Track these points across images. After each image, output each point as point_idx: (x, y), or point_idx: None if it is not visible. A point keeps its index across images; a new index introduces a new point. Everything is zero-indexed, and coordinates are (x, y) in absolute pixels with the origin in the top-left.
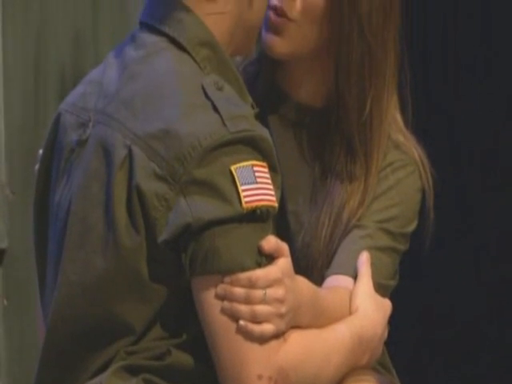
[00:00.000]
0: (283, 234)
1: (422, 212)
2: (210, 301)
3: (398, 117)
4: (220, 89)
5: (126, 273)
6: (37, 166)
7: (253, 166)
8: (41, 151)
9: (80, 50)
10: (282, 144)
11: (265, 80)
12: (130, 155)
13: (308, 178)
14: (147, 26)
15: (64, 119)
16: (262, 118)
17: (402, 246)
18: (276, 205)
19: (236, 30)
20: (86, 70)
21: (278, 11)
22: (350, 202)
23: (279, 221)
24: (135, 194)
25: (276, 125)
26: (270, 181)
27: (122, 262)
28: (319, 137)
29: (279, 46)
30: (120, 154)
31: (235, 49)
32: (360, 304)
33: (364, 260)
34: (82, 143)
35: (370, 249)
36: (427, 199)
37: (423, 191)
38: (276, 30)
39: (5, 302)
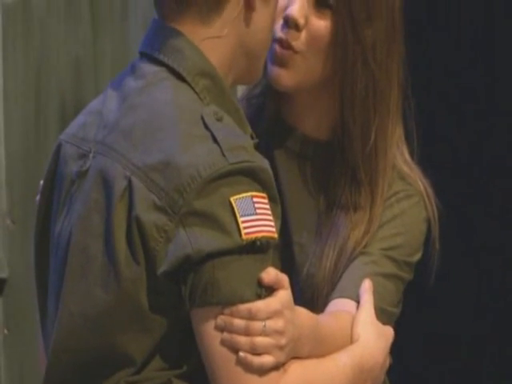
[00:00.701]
0: (288, 265)
1: (427, 243)
2: (210, 332)
3: (403, 147)
4: (219, 119)
5: (126, 304)
6: (38, 197)
7: (252, 197)
8: (42, 182)
9: (80, 78)
10: (288, 176)
11: (270, 113)
12: (130, 186)
13: (313, 210)
14: (147, 56)
15: (64, 150)
16: (267, 150)
17: (407, 275)
18: (276, 236)
19: (235, 54)
20: (86, 99)
21: (284, 43)
22: (355, 232)
23: (284, 252)
24: (135, 226)
25: (281, 157)
26: (269, 212)
27: (123, 293)
28: (324, 169)
29: (285, 78)
30: (120, 185)
31: (237, 75)
32: (361, 332)
33: (366, 287)
34: (82, 174)
35: (374, 275)
36: (432, 230)
37: (428, 222)
38: (281, 63)
39: (5, 331)
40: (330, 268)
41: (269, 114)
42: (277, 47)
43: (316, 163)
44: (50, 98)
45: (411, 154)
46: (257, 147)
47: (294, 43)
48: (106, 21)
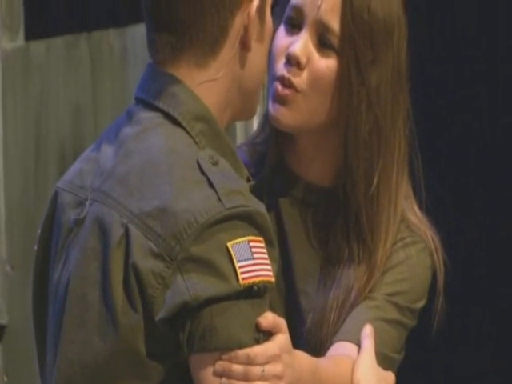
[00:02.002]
0: (293, 312)
1: (432, 291)
2: (209, 378)
3: (413, 201)
4: (215, 163)
5: (124, 352)
6: (36, 245)
7: (249, 241)
8: (39, 230)
9: (80, 124)
10: (292, 224)
11: (272, 160)
12: (127, 234)
13: (316, 257)
14: (142, 102)
15: (62, 198)
16: (271, 197)
17: (410, 321)
18: (273, 279)
19: (231, 93)
20: (86, 145)
21: (285, 82)
22: (358, 282)
23: (289, 299)
24: (132, 273)
25: (285, 204)
26: (266, 256)
27: (121, 340)
28: (327, 216)
29: (286, 117)
30: (117, 232)
31: (234, 114)
32: (362, 377)
33: (368, 332)
34: (79, 222)
35: (377, 320)
36: (438, 281)
37: (434, 270)
38: (282, 101)
39: (5, 378)
40: (334, 319)
41: (272, 162)
42: (278, 85)
43: (319, 210)
44: (50, 144)
45: (419, 205)
46: (261, 194)
47: (295, 81)
48: (105, 66)
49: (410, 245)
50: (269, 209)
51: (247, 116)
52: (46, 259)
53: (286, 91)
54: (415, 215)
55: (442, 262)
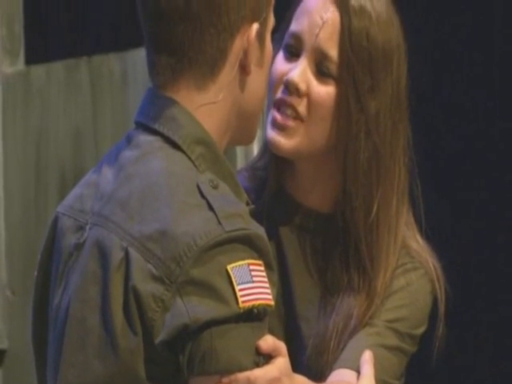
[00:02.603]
0: (294, 338)
1: (433, 318)
2: None
3: (415, 230)
4: (215, 187)
5: (124, 375)
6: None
7: (249, 264)
8: (39, 255)
9: (80, 148)
10: (292, 249)
11: (272, 186)
12: (127, 257)
13: (317, 283)
14: (142, 126)
15: (62, 223)
16: (271, 223)
17: (410, 348)
18: (272, 303)
19: (230, 117)
20: (86, 170)
21: (284, 108)
22: (357, 311)
23: (290, 325)
24: (132, 296)
25: (285, 230)
26: (266, 279)
27: (121, 364)
28: (327, 242)
29: (284, 143)
30: (117, 256)
31: (233, 138)
32: None
33: (367, 359)
34: (79, 246)
35: (377, 346)
36: (439, 310)
37: (434, 296)
38: (281, 128)
39: None
40: (334, 347)
41: (271, 188)
42: (276, 113)
43: (319, 236)
44: (50, 169)
45: (420, 232)
46: (261, 219)
47: (294, 107)
48: (105, 91)
49: (410, 271)
50: (269, 235)
51: (246, 141)
52: (46, 284)
53: (285, 119)
54: (417, 242)
55: (443, 291)
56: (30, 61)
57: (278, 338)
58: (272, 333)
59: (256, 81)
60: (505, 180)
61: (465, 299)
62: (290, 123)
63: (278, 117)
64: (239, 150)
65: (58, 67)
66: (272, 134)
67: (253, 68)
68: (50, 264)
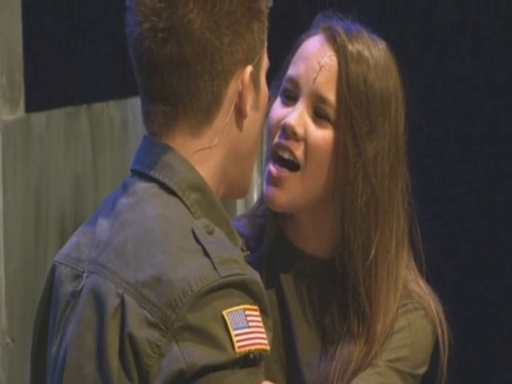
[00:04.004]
0: (296, 383)
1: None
2: None
3: (416, 271)
4: (210, 232)
5: None
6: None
7: (244, 309)
8: (37, 304)
9: (80, 195)
10: (292, 296)
11: (271, 233)
12: (123, 304)
13: (318, 329)
14: (138, 173)
15: (59, 271)
16: (271, 269)
17: None
18: (268, 348)
19: (226, 162)
20: (86, 217)
21: (282, 151)
22: (357, 355)
23: (292, 371)
24: (128, 343)
25: (286, 276)
26: (261, 324)
27: None
28: (327, 287)
29: (280, 198)
30: (112, 303)
31: (228, 186)
32: None
33: None
34: (76, 294)
35: None
36: (441, 358)
37: (436, 336)
38: (277, 183)
39: None
40: None
41: (271, 235)
42: (271, 165)
43: (319, 282)
44: (50, 216)
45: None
46: (261, 267)
47: (292, 151)
48: (105, 138)
49: (411, 311)
50: (269, 281)
51: (241, 192)
52: (44, 334)
53: (280, 172)
54: (419, 286)
55: (446, 335)
56: (30, 108)
57: (280, 383)
58: (274, 379)
59: (252, 123)
60: (507, 220)
61: (465, 345)
62: (286, 174)
63: (274, 170)
64: (239, 208)
65: (57, 115)
66: (267, 189)
67: (248, 111)
68: (47, 313)
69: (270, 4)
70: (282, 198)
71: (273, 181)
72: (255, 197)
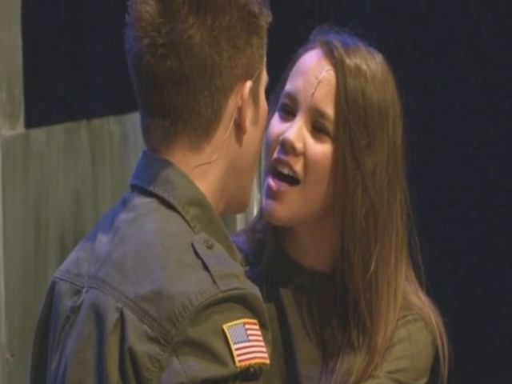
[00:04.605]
0: None
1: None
2: None
3: (416, 283)
4: (210, 247)
5: None
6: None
7: (244, 323)
8: (37, 320)
9: (80, 211)
10: (293, 310)
11: (271, 248)
12: (122, 318)
13: (318, 342)
14: (137, 189)
15: (59, 287)
16: (271, 284)
17: None
18: (268, 361)
19: (226, 177)
20: (86, 232)
21: (281, 166)
22: (357, 367)
23: None
24: (128, 357)
25: (286, 290)
26: (261, 338)
27: None
28: (328, 300)
29: (279, 212)
30: (112, 317)
31: (228, 201)
32: None
33: None
34: (75, 309)
35: None
36: (441, 371)
37: (436, 347)
38: (276, 196)
39: None
40: None
41: (270, 250)
42: (271, 179)
43: (319, 295)
44: (50, 231)
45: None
46: (261, 281)
47: (291, 166)
48: (105, 154)
49: (411, 322)
50: (269, 296)
51: (240, 207)
52: (44, 349)
53: (280, 184)
54: (419, 298)
55: (446, 348)
56: (29, 124)
57: None
58: None
59: (252, 138)
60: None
61: (465, 358)
62: (285, 188)
63: (273, 184)
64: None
65: (57, 130)
66: (266, 203)
67: (248, 126)
68: (47, 329)
69: (270, 20)
70: (282, 211)
71: (272, 195)
72: (255, 212)
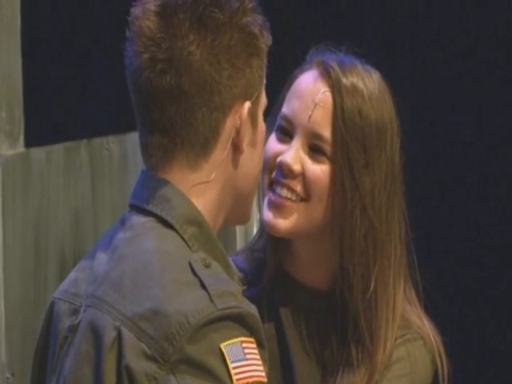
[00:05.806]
0: None
1: None
2: None
3: (416, 303)
4: (207, 266)
5: None
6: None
7: (242, 342)
8: (36, 341)
9: (80, 230)
10: (292, 329)
11: (271, 267)
12: (119, 336)
13: (318, 361)
14: (136, 208)
15: (58, 307)
16: (270, 304)
17: None
18: (265, 380)
19: (224, 196)
20: (85, 251)
21: (280, 188)
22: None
23: None
24: (125, 375)
25: (285, 309)
26: (258, 356)
27: None
28: (327, 319)
29: (280, 223)
30: (109, 335)
31: (228, 217)
32: None
33: None
34: (73, 328)
35: None
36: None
37: (435, 366)
38: (277, 207)
39: None
40: None
41: (271, 269)
42: (271, 193)
43: (318, 314)
44: (50, 251)
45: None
46: (260, 301)
47: (291, 188)
48: (105, 173)
49: (410, 341)
50: (269, 315)
51: (241, 220)
52: (43, 369)
53: (279, 200)
54: (419, 318)
55: (445, 366)
56: (29, 143)
57: None
58: None
59: (249, 160)
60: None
61: (464, 376)
62: (286, 205)
63: (273, 197)
64: (239, 230)
65: (57, 150)
66: (269, 216)
67: (246, 147)
68: (46, 349)
69: (270, 43)
70: (283, 223)
71: (273, 206)
72: (255, 230)
